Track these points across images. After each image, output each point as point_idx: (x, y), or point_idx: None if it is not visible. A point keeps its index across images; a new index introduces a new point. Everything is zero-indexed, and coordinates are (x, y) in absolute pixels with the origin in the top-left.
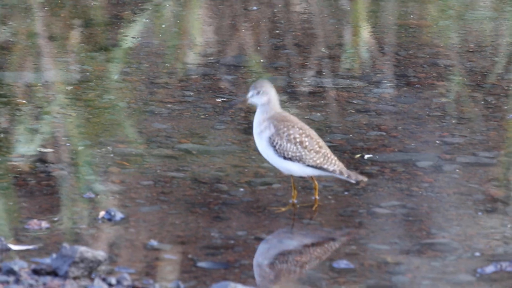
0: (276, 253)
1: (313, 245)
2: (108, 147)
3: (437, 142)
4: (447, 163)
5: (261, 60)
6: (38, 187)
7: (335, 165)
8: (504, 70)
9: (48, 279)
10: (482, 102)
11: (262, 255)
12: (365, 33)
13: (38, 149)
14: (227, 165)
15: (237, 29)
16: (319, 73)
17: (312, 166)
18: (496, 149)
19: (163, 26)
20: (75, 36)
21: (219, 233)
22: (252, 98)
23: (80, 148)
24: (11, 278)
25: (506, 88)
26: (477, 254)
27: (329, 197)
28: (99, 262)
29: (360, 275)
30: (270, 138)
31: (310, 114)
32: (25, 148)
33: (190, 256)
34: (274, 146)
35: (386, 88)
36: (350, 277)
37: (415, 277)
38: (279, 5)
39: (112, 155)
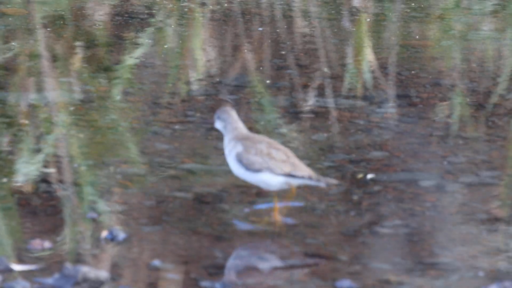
0: (278, 272)
1: (315, 264)
2: (111, 167)
3: (440, 162)
4: (450, 183)
5: (264, 80)
6: (41, 207)
7: (305, 172)
8: (507, 90)
9: None
10: (485, 122)
11: (265, 275)
12: (368, 53)
13: (41, 169)
14: (230, 185)
15: (240, 49)
16: (321, 93)
17: (282, 175)
18: (499, 169)
19: (166, 46)
20: (78, 56)
21: (222, 252)
22: (215, 123)
23: (82, 168)
24: None
25: (509, 108)
26: (480, 273)
27: (331, 216)
28: (101, 283)
29: None
30: (237, 155)
31: (313, 134)
32: (27, 169)
33: (193, 275)
34: (242, 162)
35: (389, 108)
36: None
37: None
38: (282, 26)
39: (115, 175)
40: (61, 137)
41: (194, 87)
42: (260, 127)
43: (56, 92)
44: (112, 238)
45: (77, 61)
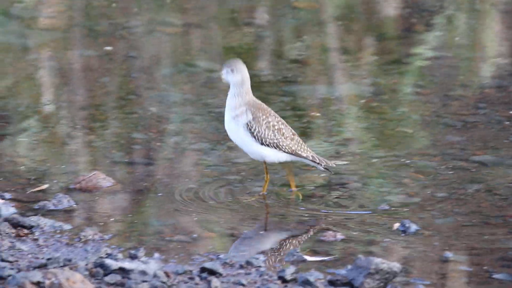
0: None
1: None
2: (402, 159)
3: None
4: None
5: None
6: (333, 197)
7: (308, 152)
8: None
9: None
10: None
11: None
12: None
13: (333, 162)
14: None
15: None
16: None
17: (287, 152)
18: None
19: (457, 38)
20: (368, 49)
21: None
22: (227, 75)
23: (374, 160)
24: None
25: None
26: None
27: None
28: (394, 274)
29: None
30: (247, 124)
31: None
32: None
33: (485, 267)
34: (252, 133)
35: None
36: None
37: None
38: None
39: (406, 167)
40: (352, 129)
41: (485, 79)
42: None
43: (347, 85)
44: (404, 230)
45: (367, 54)
